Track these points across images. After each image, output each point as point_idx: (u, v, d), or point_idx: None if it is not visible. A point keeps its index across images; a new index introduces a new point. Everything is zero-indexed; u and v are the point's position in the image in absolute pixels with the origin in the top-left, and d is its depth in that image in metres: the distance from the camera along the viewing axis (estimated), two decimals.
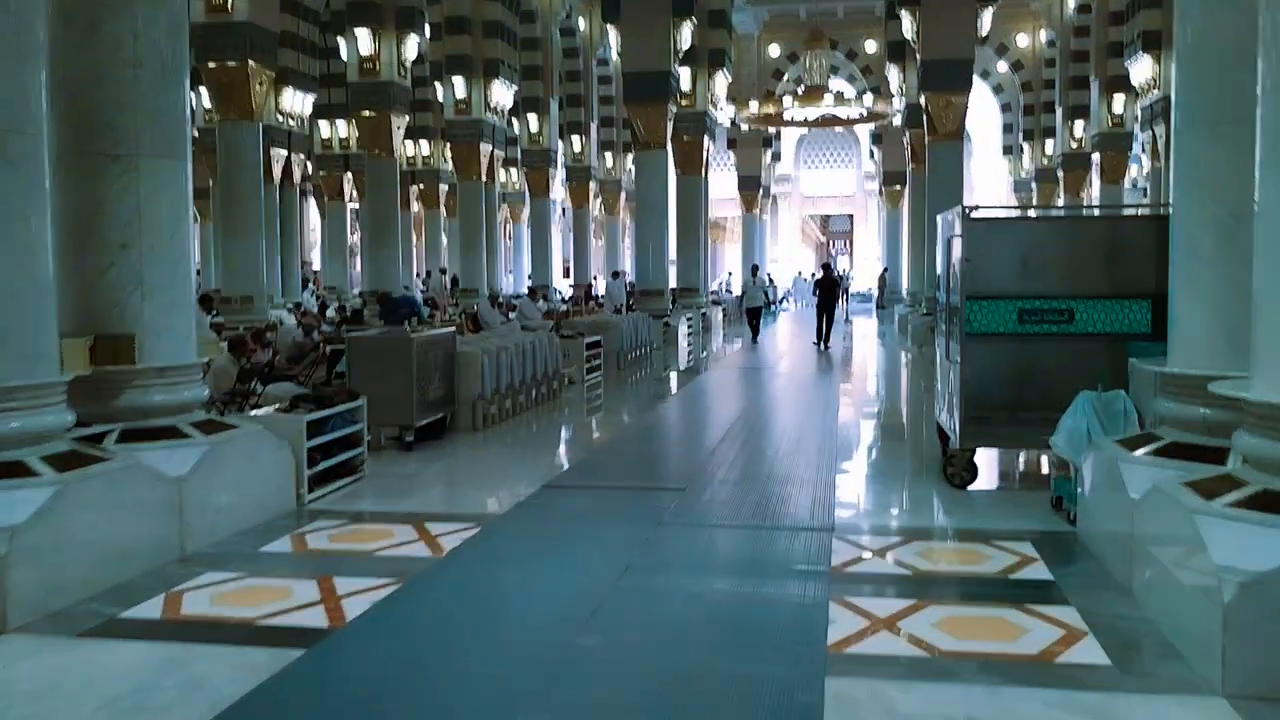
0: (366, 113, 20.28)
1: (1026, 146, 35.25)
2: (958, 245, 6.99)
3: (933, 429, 8.84)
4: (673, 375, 16.04)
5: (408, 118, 21.19)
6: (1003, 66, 34.65)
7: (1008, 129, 38.05)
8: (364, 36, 19.91)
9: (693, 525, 6.46)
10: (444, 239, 33.41)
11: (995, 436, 7.24)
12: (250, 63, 15.97)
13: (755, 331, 22.24)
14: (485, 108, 23.91)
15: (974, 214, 7.14)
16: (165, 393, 6.15)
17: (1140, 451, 5.30)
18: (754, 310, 22.96)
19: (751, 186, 36.28)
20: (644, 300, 20.01)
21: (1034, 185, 35.27)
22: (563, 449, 9.84)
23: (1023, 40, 33.87)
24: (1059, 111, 30.55)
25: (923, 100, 18.56)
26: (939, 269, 7.84)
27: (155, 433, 5.92)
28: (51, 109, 5.32)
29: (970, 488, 7.22)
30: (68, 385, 5.38)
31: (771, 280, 39.51)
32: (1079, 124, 29.31)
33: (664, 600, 5.01)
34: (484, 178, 24.09)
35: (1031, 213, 26.06)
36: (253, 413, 7.96)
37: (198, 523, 5.78)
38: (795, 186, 52.56)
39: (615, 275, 23.24)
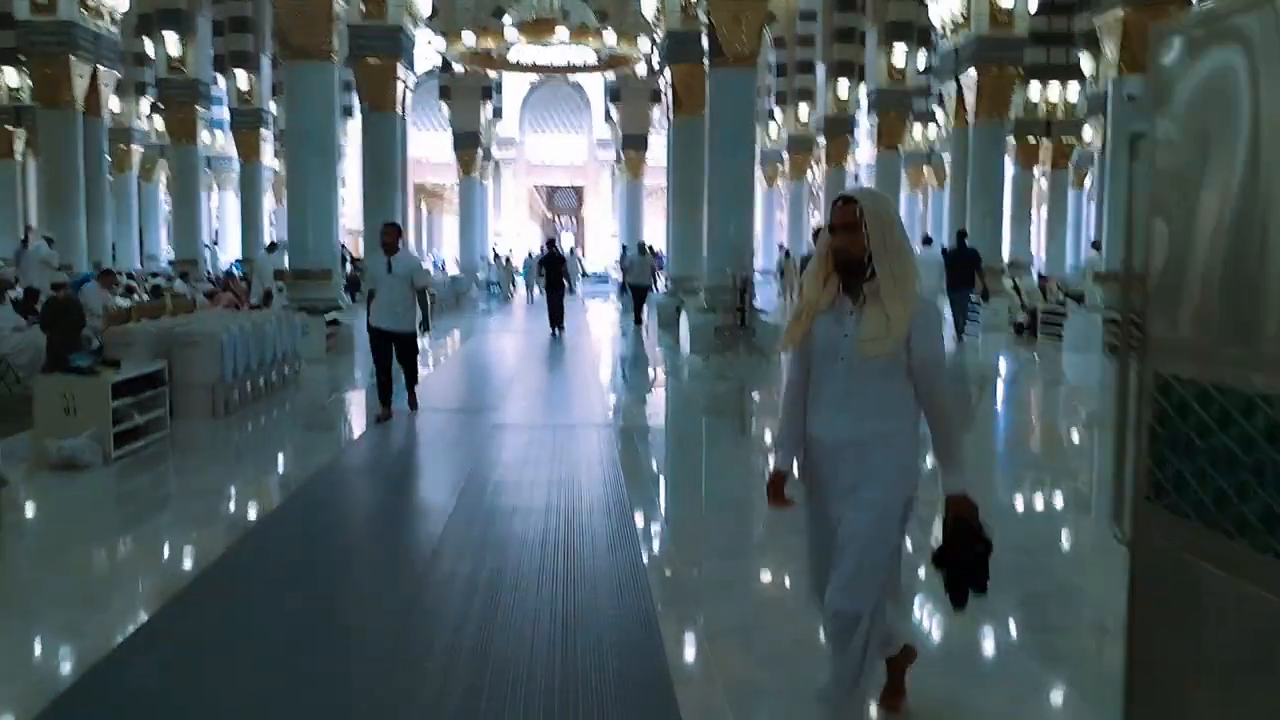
0: None
1: (779, 111, 31.42)
2: None
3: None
4: (327, 428, 9.25)
5: None
6: None
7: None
8: None
9: None
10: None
11: None
12: None
13: (404, 378, 8.85)
14: (81, 6, 16.60)
15: None
16: None
17: None
18: (401, 341, 8.55)
19: (470, 144, 30.11)
20: (298, 285, 13.07)
21: (784, 155, 31.69)
22: None
23: None
24: (820, 69, 26.73)
25: (703, 15, 13.44)
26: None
27: None
28: None
29: None
30: None
31: (497, 255, 33.52)
32: (843, 83, 25.56)
33: None
34: (81, 107, 16.77)
35: None
36: None
37: None
38: (521, 152, 46.89)
39: (270, 248, 16.05)
